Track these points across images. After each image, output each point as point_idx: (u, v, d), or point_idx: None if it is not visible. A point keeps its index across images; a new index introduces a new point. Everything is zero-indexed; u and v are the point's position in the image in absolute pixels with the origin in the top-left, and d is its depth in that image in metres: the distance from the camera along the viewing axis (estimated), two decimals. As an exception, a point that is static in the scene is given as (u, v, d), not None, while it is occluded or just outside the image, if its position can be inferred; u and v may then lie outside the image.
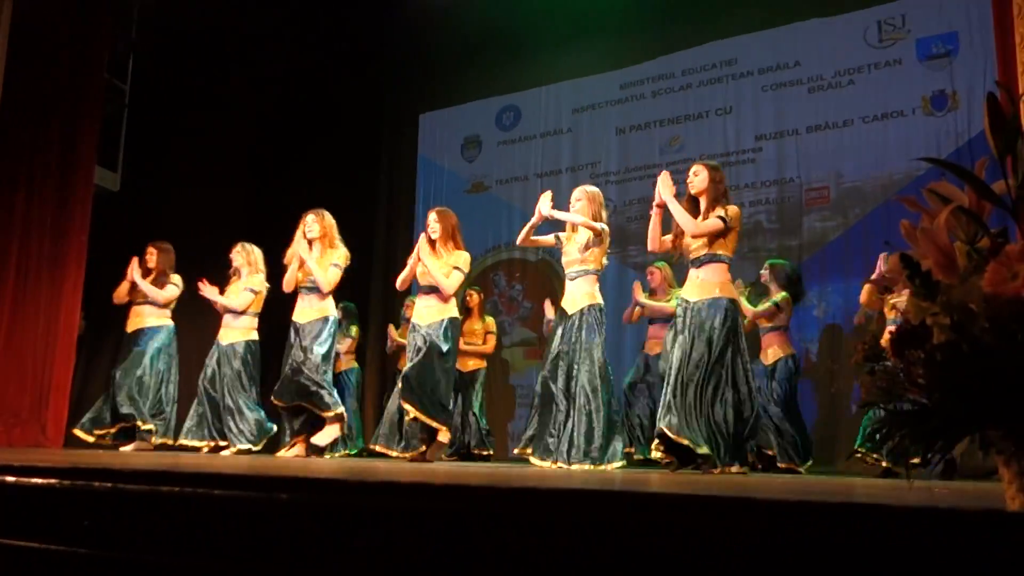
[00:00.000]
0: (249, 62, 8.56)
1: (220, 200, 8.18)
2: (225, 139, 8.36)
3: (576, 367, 4.88)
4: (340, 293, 6.85)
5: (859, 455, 5.37)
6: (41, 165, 6.42)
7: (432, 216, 5.53)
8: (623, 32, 8.04)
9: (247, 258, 6.38)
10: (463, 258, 5.45)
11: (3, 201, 6.14)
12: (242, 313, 6.29)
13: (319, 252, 5.74)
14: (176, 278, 6.56)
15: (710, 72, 7.70)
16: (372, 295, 8.87)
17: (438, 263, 5.38)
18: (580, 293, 5.02)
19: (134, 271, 6.39)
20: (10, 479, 2.05)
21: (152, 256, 6.53)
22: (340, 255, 5.80)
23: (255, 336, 6.35)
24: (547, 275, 8.13)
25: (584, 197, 5.14)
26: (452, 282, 5.38)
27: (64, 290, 6.52)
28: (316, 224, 5.77)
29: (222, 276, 6.49)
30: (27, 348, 6.26)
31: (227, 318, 6.33)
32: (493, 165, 8.78)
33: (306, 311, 5.74)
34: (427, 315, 5.41)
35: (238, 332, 6.29)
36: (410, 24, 8.57)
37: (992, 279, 1.12)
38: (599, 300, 5.03)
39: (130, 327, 6.47)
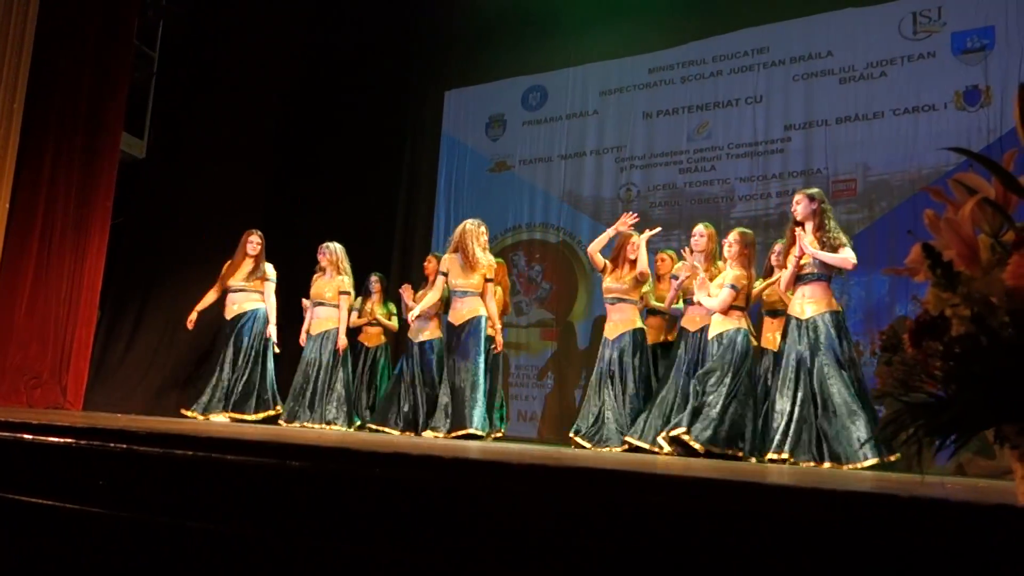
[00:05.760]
0: (276, 36, 8.56)
1: (243, 172, 8.19)
2: (250, 112, 8.36)
3: None
4: (366, 268, 6.97)
5: None
6: (68, 129, 6.45)
7: (479, 226, 6.11)
8: (654, 16, 7.95)
9: (330, 258, 6.65)
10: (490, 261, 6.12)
11: (30, 164, 6.18)
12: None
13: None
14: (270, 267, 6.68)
15: (741, 59, 7.61)
16: (392, 271, 8.87)
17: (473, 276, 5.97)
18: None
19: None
20: (27, 437, 2.08)
21: (260, 244, 6.59)
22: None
23: None
24: (566, 256, 8.12)
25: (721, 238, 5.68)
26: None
27: (88, 255, 6.56)
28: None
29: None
30: (50, 312, 6.32)
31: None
32: (517, 145, 8.73)
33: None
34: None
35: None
36: (438, 0, 8.53)
37: (1015, 272, 1.11)
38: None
39: (228, 313, 6.52)
